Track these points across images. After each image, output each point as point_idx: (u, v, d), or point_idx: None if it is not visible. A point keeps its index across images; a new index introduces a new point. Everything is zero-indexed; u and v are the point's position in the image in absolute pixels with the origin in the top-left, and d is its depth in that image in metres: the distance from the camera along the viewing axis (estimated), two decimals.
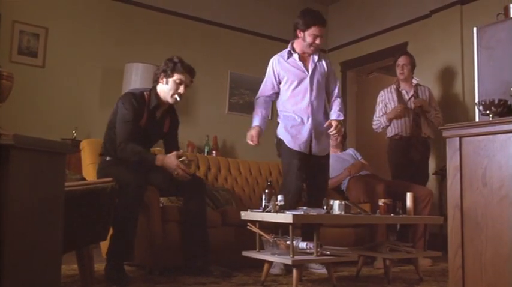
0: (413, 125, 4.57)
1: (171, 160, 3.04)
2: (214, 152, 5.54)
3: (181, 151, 3.23)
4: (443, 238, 4.09)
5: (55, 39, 4.98)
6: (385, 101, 4.76)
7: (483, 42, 2.17)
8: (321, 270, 3.32)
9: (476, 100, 2.10)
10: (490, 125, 1.89)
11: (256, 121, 3.55)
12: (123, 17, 5.41)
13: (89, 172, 3.36)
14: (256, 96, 3.66)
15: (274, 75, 3.57)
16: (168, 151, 3.33)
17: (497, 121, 1.88)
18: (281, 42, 6.38)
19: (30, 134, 1.61)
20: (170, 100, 3.18)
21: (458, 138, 1.98)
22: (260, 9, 6.39)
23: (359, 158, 4.75)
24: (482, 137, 1.91)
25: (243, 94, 6.20)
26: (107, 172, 2.98)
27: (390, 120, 4.66)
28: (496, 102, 1.94)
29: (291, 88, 3.52)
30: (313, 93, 3.51)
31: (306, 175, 3.46)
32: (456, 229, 1.95)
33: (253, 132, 3.50)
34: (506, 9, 2.31)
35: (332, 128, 3.45)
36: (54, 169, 1.79)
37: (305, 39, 3.49)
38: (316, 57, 3.58)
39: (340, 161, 4.64)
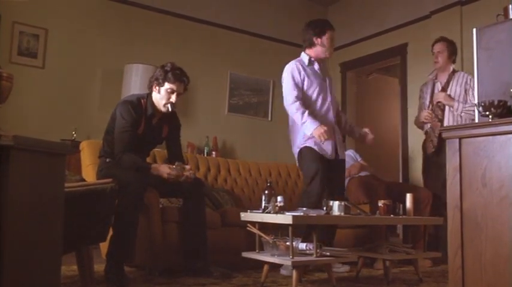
0: (435, 119, 4.17)
1: (163, 169, 3.08)
2: (214, 153, 5.54)
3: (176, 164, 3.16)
4: (439, 239, 4.08)
5: (55, 40, 4.98)
6: (423, 95, 4.41)
7: (483, 43, 2.17)
8: (340, 269, 3.40)
9: (476, 101, 2.10)
10: (489, 126, 1.89)
11: (315, 121, 3.38)
12: (123, 18, 5.41)
13: (89, 172, 3.37)
14: (293, 101, 3.43)
15: (300, 80, 3.52)
16: (170, 154, 3.34)
17: (496, 122, 1.88)
18: (281, 43, 6.42)
19: (30, 135, 1.61)
20: (163, 109, 3.19)
21: (458, 139, 1.98)
22: (260, 10, 6.40)
23: (359, 159, 4.75)
24: (482, 138, 1.91)
25: (243, 95, 6.20)
26: (108, 172, 2.99)
27: (421, 123, 4.37)
28: (496, 103, 1.94)
29: (314, 95, 3.54)
30: (330, 99, 3.63)
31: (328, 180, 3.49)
32: (456, 229, 1.95)
33: (323, 129, 3.33)
34: (506, 10, 2.31)
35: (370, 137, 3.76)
36: (54, 169, 1.79)
37: (324, 44, 3.57)
38: (324, 65, 3.73)
39: None
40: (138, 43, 5.44)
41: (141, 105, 3.16)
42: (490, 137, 1.88)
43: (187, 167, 3.17)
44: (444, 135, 2.05)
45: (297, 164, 3.65)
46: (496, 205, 1.84)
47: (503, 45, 2.11)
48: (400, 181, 5.76)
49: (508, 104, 1.96)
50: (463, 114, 4.03)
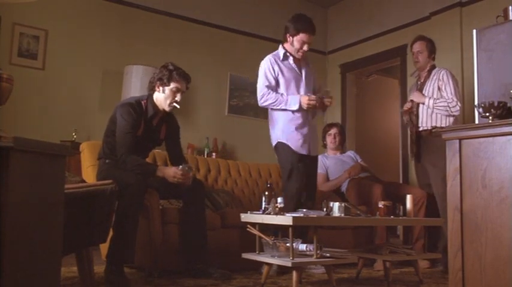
0: (413, 117, 4.07)
1: (170, 171, 3.08)
2: (214, 154, 5.54)
3: (182, 166, 3.15)
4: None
5: (55, 42, 4.98)
6: (410, 94, 4.29)
7: (482, 45, 2.17)
8: (319, 270, 3.33)
9: (476, 102, 2.10)
10: (489, 127, 1.90)
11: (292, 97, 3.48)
12: (123, 19, 5.41)
13: (89, 174, 3.37)
14: (266, 92, 3.48)
15: (273, 75, 3.52)
16: (171, 156, 3.34)
17: (496, 123, 1.88)
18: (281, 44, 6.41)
19: (30, 136, 1.61)
20: (167, 108, 3.19)
21: (457, 140, 1.98)
22: (260, 11, 6.40)
23: (359, 160, 4.75)
24: (481, 139, 1.91)
25: (243, 96, 6.20)
26: (107, 173, 2.99)
27: (406, 118, 4.22)
28: (496, 104, 1.94)
29: (290, 91, 3.53)
30: (305, 93, 3.55)
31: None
32: (456, 231, 1.95)
33: (307, 96, 3.45)
34: (506, 11, 2.31)
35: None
36: (54, 171, 1.79)
37: (293, 44, 3.53)
38: (306, 60, 3.68)
39: (340, 163, 4.65)
40: (138, 44, 5.44)
41: (141, 106, 3.16)
42: (490, 139, 1.89)
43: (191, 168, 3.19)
44: (444, 136, 2.05)
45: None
46: (496, 207, 1.84)
47: (503, 46, 2.11)
48: (401, 181, 5.76)
49: (508, 105, 1.96)
50: (435, 110, 3.93)
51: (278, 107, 3.49)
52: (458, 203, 1.96)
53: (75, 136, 4.76)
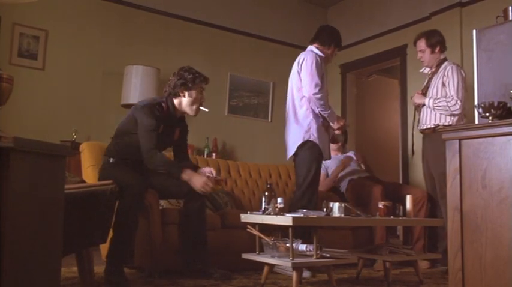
0: (418, 116, 4.12)
1: (199, 179, 3.06)
2: (214, 154, 5.54)
3: (211, 169, 3.22)
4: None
5: (55, 42, 4.98)
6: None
7: (482, 45, 2.17)
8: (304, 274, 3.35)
9: (476, 102, 2.10)
10: (489, 128, 1.90)
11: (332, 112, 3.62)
12: (123, 19, 5.41)
13: (89, 174, 3.36)
14: (320, 90, 3.44)
15: (321, 75, 3.49)
16: (178, 158, 3.37)
17: (496, 123, 1.88)
18: (281, 44, 6.42)
19: (30, 136, 1.61)
20: (193, 112, 3.26)
21: (457, 141, 1.98)
22: (260, 12, 6.40)
23: (359, 160, 4.75)
24: (481, 140, 1.91)
25: (243, 96, 6.20)
26: (109, 173, 3.00)
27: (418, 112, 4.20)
28: (496, 104, 1.94)
29: (324, 92, 3.55)
30: None
31: None
32: (456, 231, 1.95)
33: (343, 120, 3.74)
34: (506, 11, 2.31)
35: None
36: (54, 171, 1.79)
37: (333, 54, 3.71)
38: None
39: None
40: (138, 44, 5.44)
41: (163, 108, 3.18)
42: (490, 139, 1.89)
43: (220, 177, 3.29)
44: (444, 136, 2.05)
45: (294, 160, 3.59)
46: (495, 207, 1.84)
47: (502, 46, 2.11)
48: (401, 181, 5.76)
49: (508, 105, 1.96)
50: (435, 110, 3.89)
51: (323, 112, 3.51)
52: (458, 203, 1.96)
53: (75, 136, 4.76)
